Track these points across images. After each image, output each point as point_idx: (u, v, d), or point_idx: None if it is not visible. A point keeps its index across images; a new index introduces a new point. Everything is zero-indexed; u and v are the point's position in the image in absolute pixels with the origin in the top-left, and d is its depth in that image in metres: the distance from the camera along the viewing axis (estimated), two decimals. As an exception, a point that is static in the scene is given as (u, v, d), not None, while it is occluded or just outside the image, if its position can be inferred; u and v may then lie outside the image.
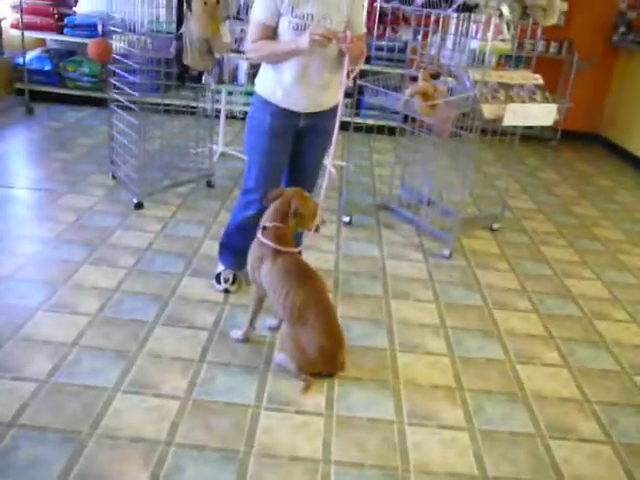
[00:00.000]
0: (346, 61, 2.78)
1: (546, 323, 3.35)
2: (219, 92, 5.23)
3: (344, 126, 3.30)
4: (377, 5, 3.85)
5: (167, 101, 4.56)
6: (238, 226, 3.24)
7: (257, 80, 3.05)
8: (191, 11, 4.00)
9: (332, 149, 2.91)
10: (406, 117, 6.88)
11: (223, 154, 5.38)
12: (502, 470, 2.28)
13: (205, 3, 3.98)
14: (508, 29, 3.64)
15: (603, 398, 2.76)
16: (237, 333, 2.89)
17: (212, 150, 4.92)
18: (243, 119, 5.94)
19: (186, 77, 4.25)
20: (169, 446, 2.21)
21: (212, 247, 3.72)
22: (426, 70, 3.65)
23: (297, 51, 2.77)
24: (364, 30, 3.01)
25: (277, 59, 2.88)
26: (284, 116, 2.97)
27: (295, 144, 3.08)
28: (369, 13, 3.90)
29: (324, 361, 2.63)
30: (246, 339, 2.88)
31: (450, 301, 3.47)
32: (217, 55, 4.16)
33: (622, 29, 7.08)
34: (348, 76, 2.85)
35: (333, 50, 2.84)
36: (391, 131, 6.52)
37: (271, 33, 2.84)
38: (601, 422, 2.60)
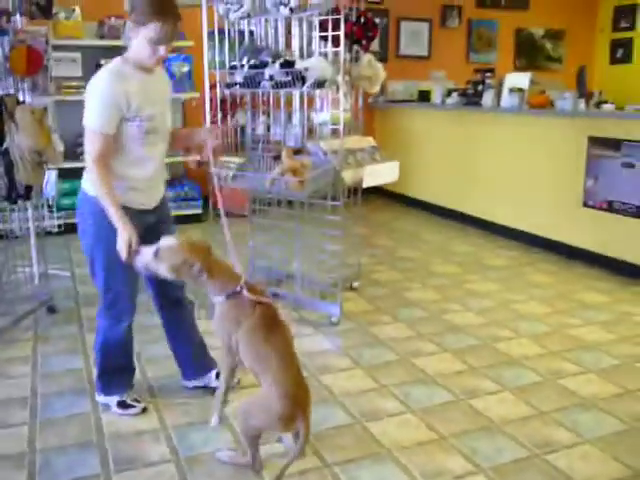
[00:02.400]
0: (210, 153, 2.93)
1: (464, 358, 3.55)
2: (19, 210, 4.70)
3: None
4: (217, 92, 3.86)
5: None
6: (120, 342, 2.94)
7: (93, 183, 2.67)
8: (15, 123, 3.61)
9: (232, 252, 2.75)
10: (206, 200, 6.88)
11: (44, 275, 4.82)
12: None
13: (32, 112, 3.63)
14: (346, 100, 3.89)
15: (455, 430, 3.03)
16: (215, 419, 2.75)
17: (36, 273, 4.43)
18: (58, 234, 5.43)
19: (13, 195, 3.78)
20: None
21: (108, 374, 3.32)
22: (289, 148, 3.73)
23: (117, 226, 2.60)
24: None
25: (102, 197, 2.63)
26: (139, 217, 2.75)
27: (149, 241, 2.73)
28: (211, 100, 3.88)
29: (296, 411, 2.39)
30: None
31: (372, 363, 3.50)
32: (50, 166, 3.80)
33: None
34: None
35: (165, 148, 2.88)
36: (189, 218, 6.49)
37: (111, 141, 2.62)
38: (465, 454, 2.85)
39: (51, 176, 4.81)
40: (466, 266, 5.30)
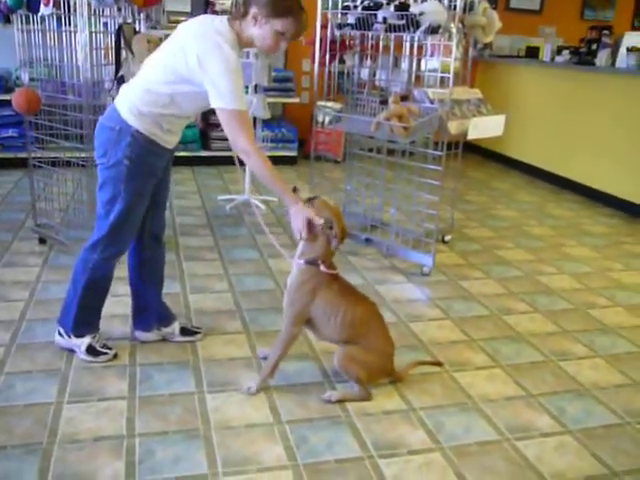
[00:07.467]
0: None
1: (555, 320, 3.52)
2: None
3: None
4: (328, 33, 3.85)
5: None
6: (109, 277, 2.83)
7: (136, 116, 2.50)
8: (132, 51, 3.72)
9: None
10: (301, 143, 6.91)
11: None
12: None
13: (148, 41, 3.72)
14: (457, 48, 3.79)
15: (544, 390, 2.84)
16: (252, 388, 2.66)
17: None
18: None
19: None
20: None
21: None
22: (396, 93, 3.70)
23: (284, 199, 2.54)
24: None
25: (262, 178, 2.55)
26: (166, 154, 2.70)
27: (163, 175, 2.80)
28: (320, 41, 3.87)
29: (389, 365, 2.74)
30: None
31: (462, 315, 3.50)
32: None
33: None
34: None
35: None
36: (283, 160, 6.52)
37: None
38: (552, 414, 2.66)
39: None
40: (562, 230, 5.16)
